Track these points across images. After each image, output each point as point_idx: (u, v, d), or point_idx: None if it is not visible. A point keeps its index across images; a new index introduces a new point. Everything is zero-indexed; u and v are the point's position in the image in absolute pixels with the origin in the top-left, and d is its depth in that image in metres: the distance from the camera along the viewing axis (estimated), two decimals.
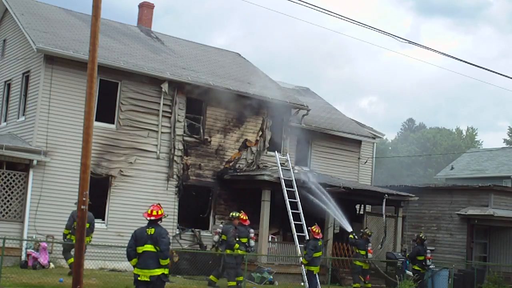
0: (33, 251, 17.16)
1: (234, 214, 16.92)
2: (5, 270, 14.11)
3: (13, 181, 17.74)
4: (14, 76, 20.68)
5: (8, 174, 17.69)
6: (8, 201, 17.64)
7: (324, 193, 20.34)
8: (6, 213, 17.62)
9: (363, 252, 19.07)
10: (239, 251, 16.33)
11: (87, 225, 15.70)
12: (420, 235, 20.14)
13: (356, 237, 19.44)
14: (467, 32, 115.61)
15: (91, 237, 15.85)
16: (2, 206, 17.55)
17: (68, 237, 15.99)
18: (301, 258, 17.53)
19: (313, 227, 16.94)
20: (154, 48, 23.28)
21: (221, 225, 16.85)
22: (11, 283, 13.63)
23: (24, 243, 17.22)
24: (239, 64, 26.14)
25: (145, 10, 25.50)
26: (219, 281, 16.86)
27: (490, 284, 22.67)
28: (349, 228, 19.98)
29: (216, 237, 16.66)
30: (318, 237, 16.66)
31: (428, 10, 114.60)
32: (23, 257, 17.29)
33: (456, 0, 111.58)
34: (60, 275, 15.39)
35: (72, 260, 15.53)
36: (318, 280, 16.75)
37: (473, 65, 18.81)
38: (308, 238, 17.30)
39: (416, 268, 19.75)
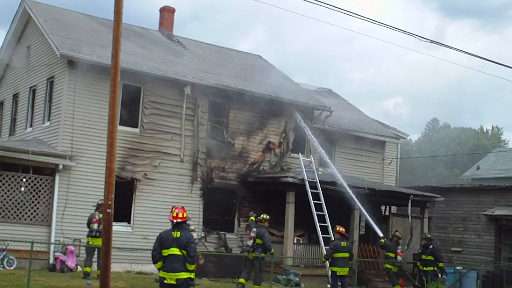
0: (60, 254, 17.34)
1: (265, 216, 16.69)
2: (33, 273, 14.28)
3: (40, 185, 17.94)
4: (39, 82, 20.93)
5: (35, 179, 17.89)
6: (35, 205, 17.84)
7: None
8: (34, 217, 17.82)
9: (392, 255, 18.74)
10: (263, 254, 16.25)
11: (102, 226, 15.85)
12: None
13: (386, 240, 19.20)
14: (493, 32, 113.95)
15: None
16: (30, 211, 17.76)
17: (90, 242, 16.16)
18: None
19: (337, 227, 16.75)
20: (175, 51, 23.38)
21: (254, 229, 16.57)
22: (40, 286, 13.77)
23: (52, 246, 17.40)
24: (261, 67, 26.11)
25: (166, 14, 25.62)
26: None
27: None
28: (380, 233, 19.80)
29: (250, 242, 16.24)
30: (345, 235, 16.42)
31: (453, 11, 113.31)
32: (51, 260, 17.49)
33: (481, 0, 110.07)
34: (89, 278, 15.51)
35: (89, 269, 15.68)
36: (345, 282, 16.44)
37: (498, 63, 18.54)
38: (333, 239, 17.06)
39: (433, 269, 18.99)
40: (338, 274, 16.10)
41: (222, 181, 21.27)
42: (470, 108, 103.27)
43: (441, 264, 18.80)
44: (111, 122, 11.01)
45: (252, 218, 17.67)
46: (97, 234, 15.87)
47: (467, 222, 25.88)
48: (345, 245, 16.24)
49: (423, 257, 18.86)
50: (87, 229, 16.40)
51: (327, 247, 16.57)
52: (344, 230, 16.56)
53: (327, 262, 16.88)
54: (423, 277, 18.51)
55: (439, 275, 18.63)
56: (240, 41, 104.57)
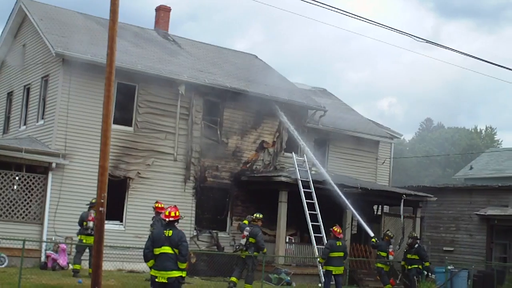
0: (52, 252, 17.38)
1: (258, 215, 16.64)
2: (25, 271, 14.29)
3: (33, 183, 17.97)
4: (33, 80, 20.94)
5: (28, 177, 17.91)
6: (27, 203, 17.87)
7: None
8: (26, 215, 17.84)
9: (383, 254, 18.82)
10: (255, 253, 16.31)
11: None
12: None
13: (377, 240, 19.28)
14: (490, 32, 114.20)
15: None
16: (22, 209, 17.78)
17: (82, 239, 16.17)
18: (318, 258, 17.53)
19: (333, 227, 16.88)
20: (171, 51, 23.42)
21: (247, 228, 16.61)
22: (31, 284, 13.81)
23: (44, 244, 17.42)
24: (256, 66, 26.19)
25: (162, 14, 25.64)
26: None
27: (510, 285, 22.40)
28: (371, 233, 19.90)
29: (243, 240, 16.26)
30: (339, 237, 16.55)
31: (449, 11, 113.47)
32: (43, 258, 17.52)
33: (478, 0, 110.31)
34: (79, 276, 15.56)
35: (78, 266, 15.69)
36: (339, 281, 16.55)
37: (493, 63, 18.64)
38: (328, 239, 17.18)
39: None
40: (334, 273, 16.25)
41: (215, 180, 21.33)
42: (465, 108, 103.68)
43: (427, 264, 18.41)
44: (105, 121, 11.07)
45: (246, 222, 17.69)
46: (92, 232, 15.89)
47: (459, 222, 26.03)
48: (340, 244, 16.43)
49: (408, 256, 18.34)
50: (78, 227, 16.39)
51: (323, 247, 16.66)
52: (339, 231, 16.62)
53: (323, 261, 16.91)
54: (414, 276, 18.42)
55: (426, 273, 18.47)
56: (237, 41, 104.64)
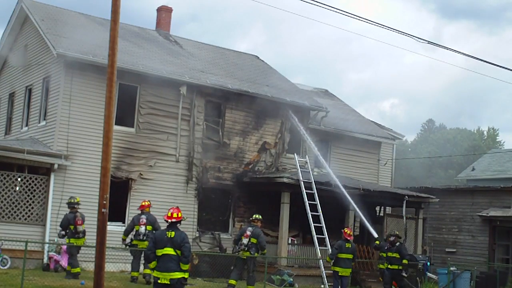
0: (54, 254, 17.35)
1: (257, 216, 16.49)
2: (27, 272, 14.28)
3: (35, 185, 17.94)
4: (35, 81, 20.92)
5: (30, 178, 17.89)
6: (30, 204, 17.84)
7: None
8: (28, 216, 17.81)
9: (385, 255, 18.75)
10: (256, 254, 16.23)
11: (83, 227, 15.81)
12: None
13: (380, 241, 19.21)
14: (490, 33, 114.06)
15: (85, 239, 15.89)
16: (24, 210, 17.75)
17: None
18: (320, 259, 17.43)
19: (345, 229, 16.83)
20: (172, 51, 23.39)
21: (250, 228, 16.50)
22: (34, 285, 13.77)
23: (46, 246, 17.39)
24: (258, 67, 26.16)
25: (164, 14, 25.62)
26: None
27: None
28: (375, 234, 19.84)
29: (246, 240, 16.05)
30: (348, 239, 16.48)
31: (451, 13, 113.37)
32: (45, 260, 17.49)
33: (479, 1, 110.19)
34: (82, 277, 15.52)
35: (78, 269, 15.60)
36: (345, 283, 16.47)
37: (494, 64, 18.62)
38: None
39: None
40: (340, 274, 16.20)
41: (217, 181, 21.29)
42: (467, 109, 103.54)
43: (405, 261, 17.38)
44: (107, 122, 11.04)
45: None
46: (82, 236, 15.83)
47: (462, 223, 25.98)
48: (349, 246, 16.42)
49: (389, 254, 17.49)
50: (59, 228, 16.06)
51: (334, 247, 16.64)
52: (350, 233, 16.58)
53: (331, 262, 16.78)
54: (407, 278, 17.85)
55: (404, 273, 17.89)
56: (238, 42, 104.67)
